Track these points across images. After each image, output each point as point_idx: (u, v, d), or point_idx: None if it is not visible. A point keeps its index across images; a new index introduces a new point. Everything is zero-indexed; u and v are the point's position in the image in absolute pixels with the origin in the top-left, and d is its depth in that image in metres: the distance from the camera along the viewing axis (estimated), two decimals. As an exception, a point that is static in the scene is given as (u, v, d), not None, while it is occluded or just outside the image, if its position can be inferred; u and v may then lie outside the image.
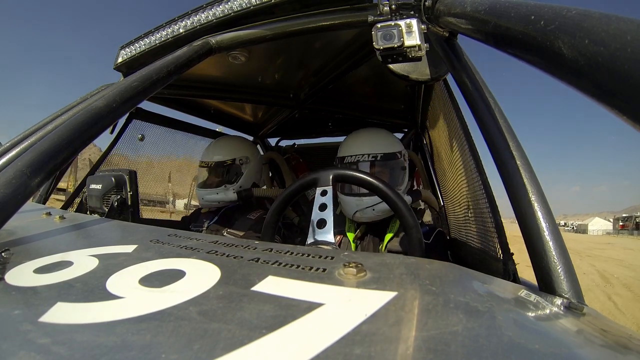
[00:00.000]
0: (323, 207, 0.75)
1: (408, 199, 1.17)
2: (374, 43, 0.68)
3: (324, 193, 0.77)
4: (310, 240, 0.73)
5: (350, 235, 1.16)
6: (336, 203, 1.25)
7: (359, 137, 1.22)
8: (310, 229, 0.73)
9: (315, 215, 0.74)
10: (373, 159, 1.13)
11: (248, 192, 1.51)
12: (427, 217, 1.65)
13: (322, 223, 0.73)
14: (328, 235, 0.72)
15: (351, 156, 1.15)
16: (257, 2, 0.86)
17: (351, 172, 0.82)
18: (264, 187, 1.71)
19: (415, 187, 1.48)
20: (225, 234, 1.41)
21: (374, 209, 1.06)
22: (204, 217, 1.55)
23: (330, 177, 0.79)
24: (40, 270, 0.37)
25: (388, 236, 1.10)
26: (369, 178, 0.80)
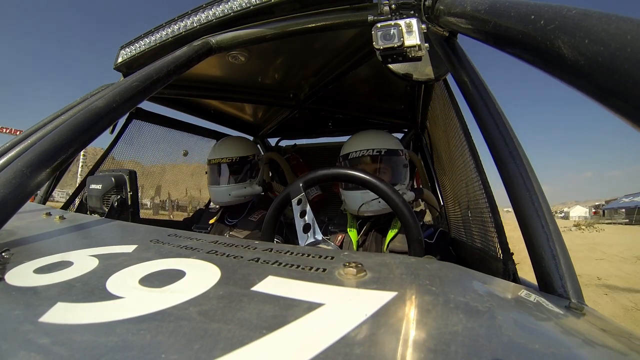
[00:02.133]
0: (303, 213, 0.79)
1: (411, 194, 1.20)
2: (374, 43, 0.68)
3: (299, 202, 0.80)
4: (303, 243, 0.76)
5: (352, 234, 1.16)
6: (340, 204, 1.27)
7: (363, 135, 1.25)
8: (299, 235, 0.76)
9: (299, 223, 0.77)
10: (377, 153, 1.16)
11: (269, 185, 1.55)
12: (427, 218, 1.66)
13: (307, 228, 0.77)
14: (316, 235, 0.75)
15: (356, 151, 1.18)
16: (257, 2, 0.86)
17: (319, 172, 0.82)
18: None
19: (416, 187, 1.48)
20: (227, 236, 1.40)
21: (380, 201, 1.07)
22: (207, 218, 1.55)
23: (300, 185, 0.81)
24: (40, 271, 0.37)
25: (390, 234, 1.10)
26: (338, 170, 0.82)
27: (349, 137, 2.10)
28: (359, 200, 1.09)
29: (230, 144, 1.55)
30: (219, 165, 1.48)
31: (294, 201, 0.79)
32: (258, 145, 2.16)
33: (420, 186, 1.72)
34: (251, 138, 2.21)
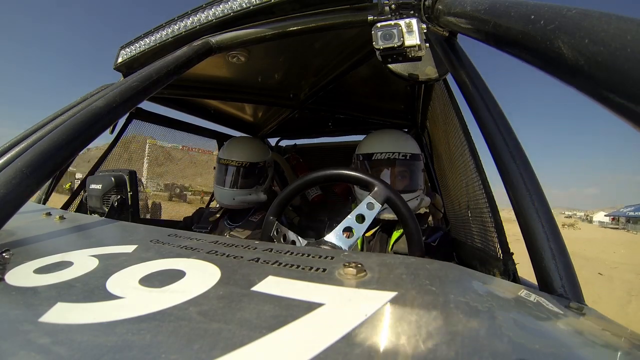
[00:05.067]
0: (284, 237, 0.75)
1: (428, 199, 1.20)
2: (374, 43, 0.68)
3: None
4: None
5: None
6: (341, 203, 1.26)
7: (386, 135, 1.24)
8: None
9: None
10: (403, 157, 1.16)
11: (273, 193, 1.53)
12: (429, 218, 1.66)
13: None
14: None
15: (381, 153, 1.16)
16: (257, 2, 0.86)
17: (283, 194, 0.81)
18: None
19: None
20: (227, 235, 1.40)
21: None
22: (208, 217, 1.55)
23: (271, 218, 0.78)
24: (40, 271, 0.37)
25: (395, 235, 1.10)
26: (302, 180, 0.80)
27: (348, 137, 2.08)
28: None
29: (243, 146, 1.51)
30: (227, 167, 1.45)
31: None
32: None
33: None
34: None
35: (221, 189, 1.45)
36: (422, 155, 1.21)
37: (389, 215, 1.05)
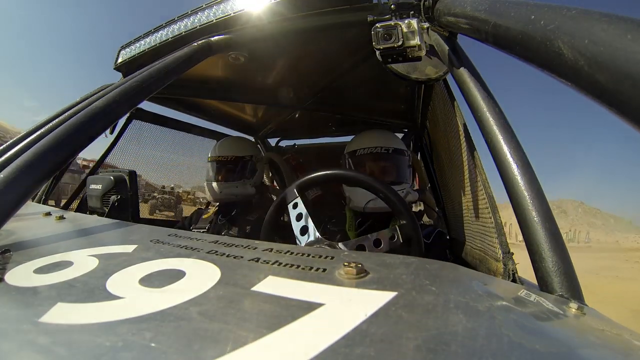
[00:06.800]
0: (299, 217, 0.80)
1: (415, 194, 1.22)
2: (374, 43, 0.68)
3: (295, 206, 0.82)
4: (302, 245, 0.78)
5: (351, 233, 1.17)
6: (339, 204, 1.27)
7: (369, 133, 1.27)
8: (297, 238, 0.78)
9: (296, 226, 0.79)
10: (385, 151, 1.17)
11: (264, 188, 1.59)
12: (425, 218, 1.66)
13: (304, 230, 0.78)
14: (314, 235, 0.77)
15: (364, 148, 1.19)
16: (257, 3, 0.86)
17: (311, 175, 0.86)
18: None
19: (416, 187, 1.50)
20: (224, 234, 1.41)
21: None
22: (205, 218, 1.56)
23: (295, 190, 0.84)
24: (40, 271, 0.37)
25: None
26: (333, 171, 0.85)
27: (349, 137, 2.10)
28: (366, 197, 1.10)
29: (229, 143, 1.59)
30: (214, 163, 1.53)
31: (290, 205, 0.81)
32: (258, 146, 2.16)
33: (419, 187, 1.72)
34: (251, 138, 2.21)
35: (210, 185, 1.52)
36: (408, 153, 1.24)
37: (374, 206, 1.07)
